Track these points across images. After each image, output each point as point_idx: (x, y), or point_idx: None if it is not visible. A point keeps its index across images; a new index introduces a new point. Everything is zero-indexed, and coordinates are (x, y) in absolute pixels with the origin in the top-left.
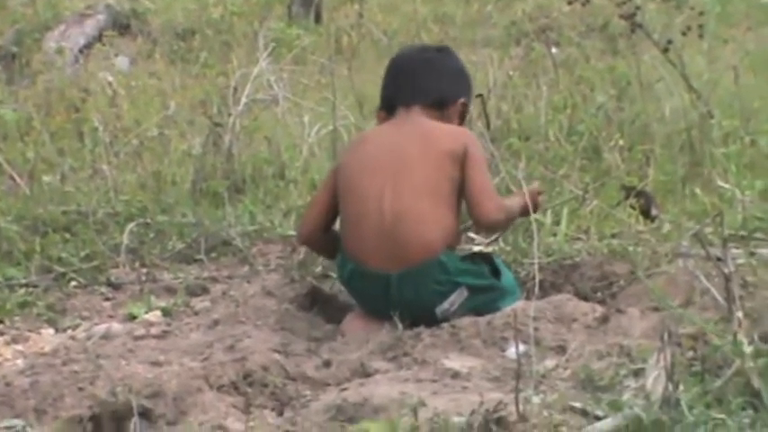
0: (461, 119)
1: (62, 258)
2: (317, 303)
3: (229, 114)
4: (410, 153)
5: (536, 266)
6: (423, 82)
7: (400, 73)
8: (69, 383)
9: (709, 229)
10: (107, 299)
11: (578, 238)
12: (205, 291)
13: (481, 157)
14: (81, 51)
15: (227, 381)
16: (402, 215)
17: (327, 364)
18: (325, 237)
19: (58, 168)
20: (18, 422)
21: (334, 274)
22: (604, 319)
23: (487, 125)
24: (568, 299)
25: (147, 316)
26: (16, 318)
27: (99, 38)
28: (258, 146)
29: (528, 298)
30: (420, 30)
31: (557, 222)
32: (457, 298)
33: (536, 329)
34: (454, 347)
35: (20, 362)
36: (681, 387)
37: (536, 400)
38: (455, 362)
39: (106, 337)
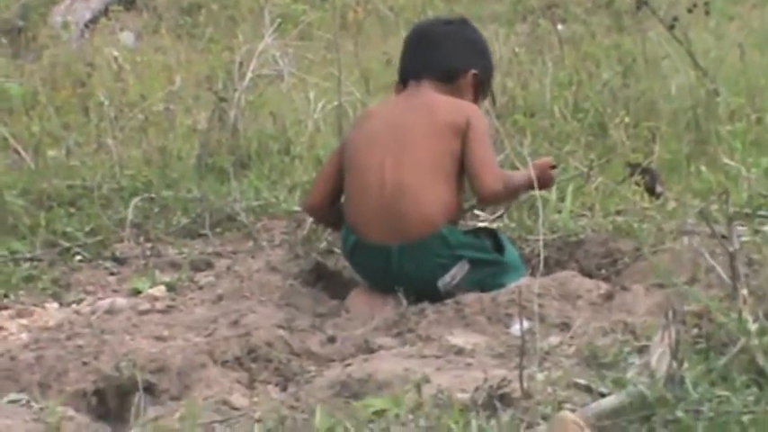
0: (477, 92)
1: (67, 233)
2: (322, 279)
3: (235, 90)
4: (412, 127)
5: (541, 243)
6: (432, 54)
7: (412, 45)
8: (74, 358)
9: (714, 207)
10: (112, 273)
11: (583, 215)
12: (209, 266)
13: (483, 129)
14: (87, 26)
15: (231, 356)
16: (403, 189)
17: (332, 339)
18: (331, 210)
19: (63, 143)
20: (22, 396)
21: (338, 250)
22: (609, 296)
23: (493, 101)
24: (573, 276)
25: (151, 291)
26: (21, 292)
27: (105, 12)
28: (263, 121)
29: (533, 275)
30: (426, 6)
31: (561, 199)
32: (458, 271)
33: (540, 306)
34: (458, 324)
35: (24, 336)
36: (685, 364)
37: (540, 376)
38: (459, 338)
39: (110, 311)
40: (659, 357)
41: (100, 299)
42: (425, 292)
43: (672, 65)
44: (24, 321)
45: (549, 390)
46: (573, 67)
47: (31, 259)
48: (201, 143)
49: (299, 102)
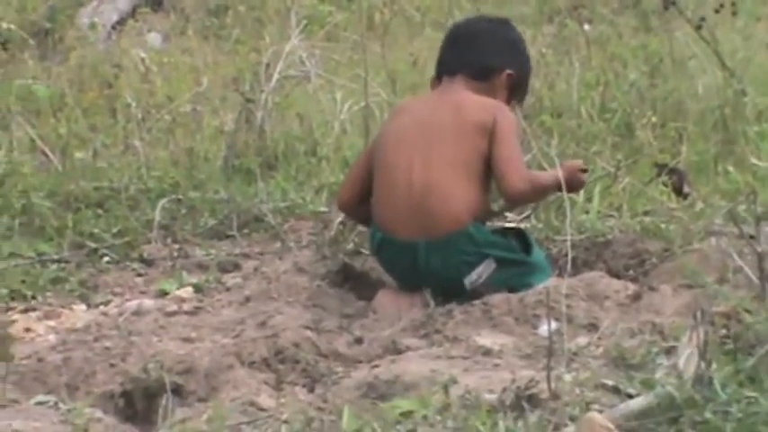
0: (511, 94)
1: (94, 234)
2: (349, 280)
3: (262, 91)
4: (441, 125)
5: (568, 244)
6: (469, 51)
7: (451, 41)
8: (101, 360)
9: (742, 207)
10: (139, 275)
11: (611, 216)
12: (237, 267)
13: (511, 128)
14: (114, 27)
15: (258, 357)
16: (430, 186)
17: (359, 340)
18: (362, 207)
19: (90, 144)
20: (50, 398)
21: (365, 251)
22: (636, 297)
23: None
24: (601, 276)
25: (178, 292)
26: (48, 294)
27: (132, 14)
28: (290, 122)
29: (560, 275)
30: (452, 6)
31: (589, 199)
32: (485, 269)
33: (568, 307)
34: (486, 325)
35: (52, 338)
36: (713, 365)
37: (568, 377)
38: (487, 339)
39: (138, 313)
40: (687, 358)
41: (127, 300)
42: (451, 289)
43: (699, 65)
44: (52, 323)
45: (577, 391)
46: (600, 67)
47: (59, 261)
48: (228, 144)
49: (325, 103)
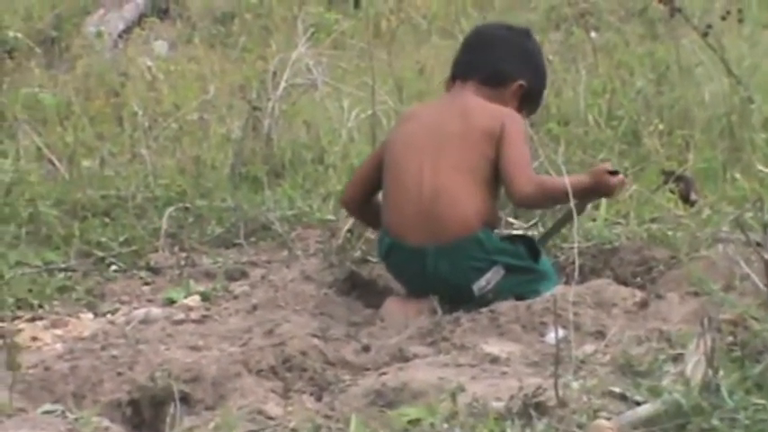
0: (521, 104)
1: (101, 243)
2: (356, 288)
3: (268, 99)
4: (450, 131)
5: (575, 251)
6: (484, 55)
7: (469, 44)
8: (108, 368)
9: (749, 215)
10: (146, 283)
11: (618, 223)
12: (244, 275)
13: (518, 134)
14: (120, 36)
15: (266, 365)
16: (440, 192)
17: (366, 348)
18: (366, 207)
19: (97, 153)
20: (57, 407)
21: (373, 259)
22: (644, 305)
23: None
24: (608, 284)
25: (185, 300)
26: (55, 302)
27: (138, 22)
28: (297, 130)
29: (567, 283)
30: (459, 14)
31: (596, 207)
32: (493, 276)
33: (575, 314)
34: (493, 332)
35: (59, 346)
36: (720, 373)
37: (575, 385)
38: (494, 347)
39: (145, 321)
40: (694, 365)
41: (134, 309)
42: (459, 296)
43: (706, 72)
44: (59, 332)
45: (585, 398)
46: (607, 75)
47: (66, 269)
48: (235, 152)
49: (332, 111)
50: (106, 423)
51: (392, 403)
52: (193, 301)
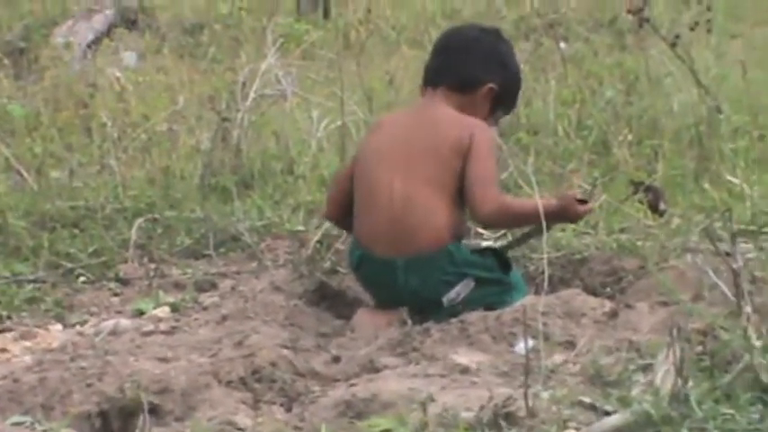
0: (496, 106)
1: (70, 254)
2: (326, 299)
3: (238, 110)
4: (418, 143)
5: (545, 261)
6: (454, 60)
7: (437, 49)
8: (77, 380)
9: (718, 224)
10: (115, 294)
11: (587, 233)
12: (213, 286)
13: (486, 147)
14: (89, 47)
15: (235, 377)
16: (410, 204)
17: (336, 359)
18: (350, 219)
19: (66, 164)
20: (26, 418)
21: (342, 270)
22: (613, 314)
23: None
24: (577, 294)
25: (155, 312)
26: (24, 314)
27: (107, 33)
28: (266, 141)
29: (537, 293)
30: (429, 25)
31: None
32: (463, 288)
33: (545, 324)
34: (463, 343)
35: (27, 358)
36: (690, 382)
37: (545, 395)
38: (464, 357)
39: (114, 332)
40: (664, 375)
41: (103, 320)
42: (429, 308)
43: (674, 83)
44: (28, 343)
45: (554, 408)
46: (576, 85)
47: (34, 281)
48: (204, 163)
49: (302, 121)
50: None
51: (362, 414)
52: (163, 312)
